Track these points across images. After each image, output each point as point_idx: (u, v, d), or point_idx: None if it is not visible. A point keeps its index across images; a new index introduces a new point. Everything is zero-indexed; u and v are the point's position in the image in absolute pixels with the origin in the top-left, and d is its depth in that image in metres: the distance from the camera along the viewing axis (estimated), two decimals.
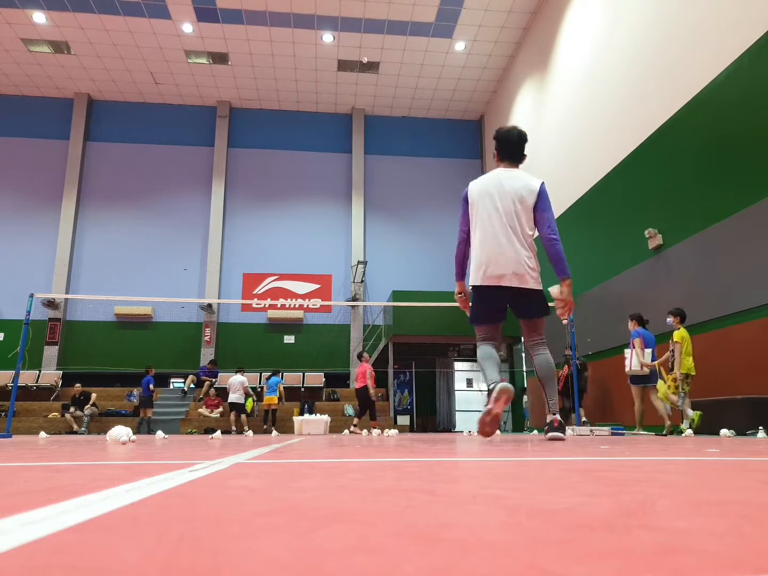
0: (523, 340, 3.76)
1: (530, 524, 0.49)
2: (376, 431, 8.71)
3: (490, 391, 3.30)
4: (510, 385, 3.25)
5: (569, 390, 9.71)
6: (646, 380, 7.20)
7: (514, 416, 14.39)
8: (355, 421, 10.59)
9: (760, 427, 5.12)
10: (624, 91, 9.49)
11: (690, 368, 6.56)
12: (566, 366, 9.81)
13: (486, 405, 3.30)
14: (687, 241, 7.67)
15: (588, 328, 9.87)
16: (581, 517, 0.53)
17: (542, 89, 12.94)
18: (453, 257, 3.91)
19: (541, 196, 3.56)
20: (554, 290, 3.75)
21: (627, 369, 7.28)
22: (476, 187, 3.68)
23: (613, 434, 6.44)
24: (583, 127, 10.87)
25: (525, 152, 3.73)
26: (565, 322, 3.80)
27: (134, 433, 3.86)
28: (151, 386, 12.13)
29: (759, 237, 6.43)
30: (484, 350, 3.66)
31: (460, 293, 3.95)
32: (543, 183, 3.63)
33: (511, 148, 3.67)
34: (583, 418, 9.32)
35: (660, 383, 6.90)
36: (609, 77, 10.01)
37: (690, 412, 6.35)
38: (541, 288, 3.58)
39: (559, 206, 11.69)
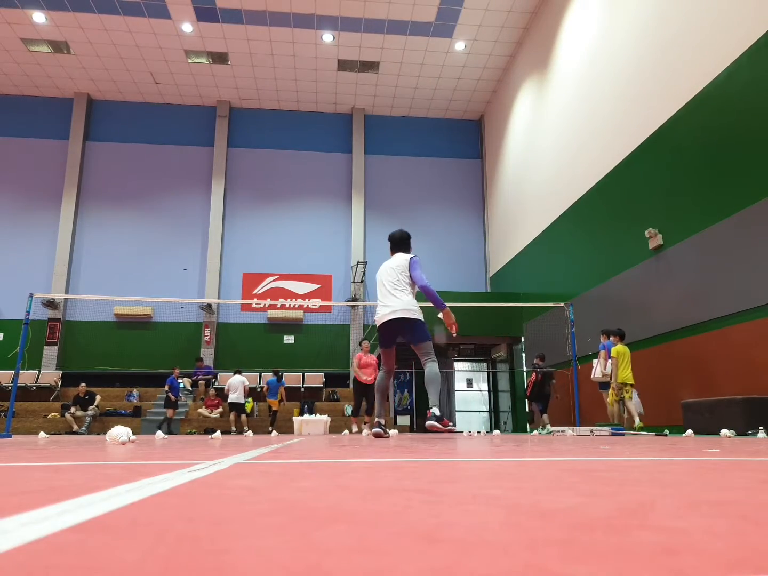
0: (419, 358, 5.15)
1: (530, 524, 0.49)
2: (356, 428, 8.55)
3: (378, 423, 5.22)
4: (378, 431, 5.13)
5: (536, 395, 10.56)
6: (608, 386, 8.26)
7: (515, 416, 14.40)
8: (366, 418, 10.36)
9: (760, 427, 5.12)
10: (624, 91, 9.49)
11: (626, 378, 7.68)
12: (534, 374, 10.60)
13: (372, 427, 5.43)
14: (687, 241, 7.67)
15: (588, 329, 9.87)
16: (581, 517, 0.53)
17: (542, 89, 12.94)
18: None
19: (411, 265, 5.19)
20: (440, 316, 5.18)
21: (592, 376, 8.41)
22: (379, 270, 5.46)
23: (613, 434, 6.44)
24: (583, 127, 10.87)
25: (409, 245, 5.48)
26: (454, 334, 5.25)
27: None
28: (166, 387, 12.05)
29: (759, 237, 6.43)
30: (378, 380, 5.36)
31: None
32: (413, 257, 5.23)
33: (395, 245, 5.45)
34: (548, 423, 10.13)
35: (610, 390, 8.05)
36: (609, 77, 10.01)
37: (637, 420, 7.39)
38: (420, 319, 5.03)
39: (558, 206, 11.69)
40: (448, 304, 5.14)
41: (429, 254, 16.26)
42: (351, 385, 10.09)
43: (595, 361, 8.47)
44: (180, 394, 12.36)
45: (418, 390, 15.22)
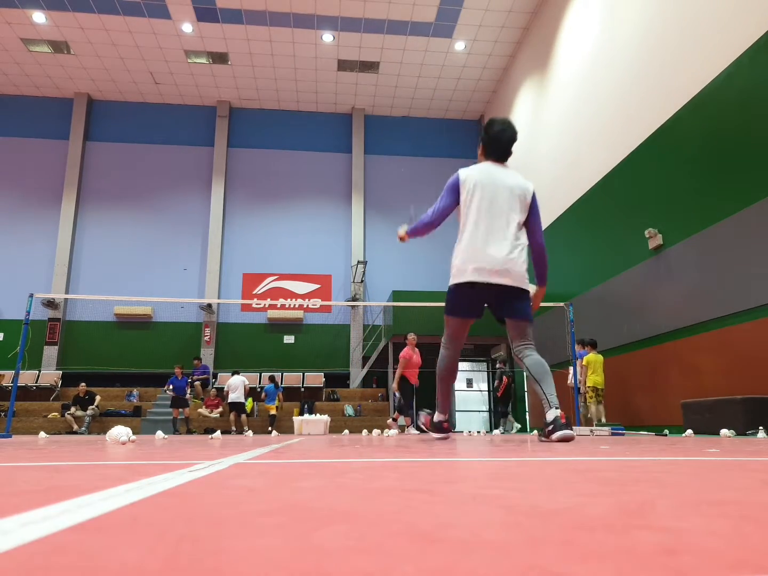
0: (512, 345, 3.56)
1: (530, 524, 0.49)
2: (392, 431, 7.37)
3: (437, 425, 3.81)
4: (449, 436, 3.80)
5: (506, 396, 11.86)
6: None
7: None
8: (395, 415, 9.62)
9: (760, 427, 5.12)
10: (624, 91, 9.49)
11: (596, 383, 8.52)
12: (504, 377, 11.71)
13: (428, 430, 3.93)
14: (687, 241, 7.67)
15: (588, 329, 9.87)
16: (581, 517, 0.53)
17: (542, 89, 12.94)
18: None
19: (535, 200, 3.55)
20: (531, 291, 3.70)
21: (568, 382, 9.01)
22: (472, 177, 3.51)
23: (613, 434, 6.43)
24: (583, 127, 10.87)
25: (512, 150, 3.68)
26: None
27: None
28: (170, 386, 12.05)
29: (759, 237, 6.43)
30: (447, 363, 3.68)
31: (403, 238, 3.88)
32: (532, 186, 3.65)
33: (503, 148, 3.60)
34: (517, 425, 11.76)
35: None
36: (609, 77, 10.01)
37: (594, 418, 8.31)
38: (530, 290, 3.59)
39: (558, 206, 11.68)
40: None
41: (429, 254, 16.28)
42: (397, 385, 9.35)
43: (570, 368, 9.19)
44: (187, 392, 12.30)
45: (419, 390, 15.19)
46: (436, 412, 3.82)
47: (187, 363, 14.39)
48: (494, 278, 3.32)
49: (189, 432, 11.71)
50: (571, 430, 3.12)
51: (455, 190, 3.58)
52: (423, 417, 4.03)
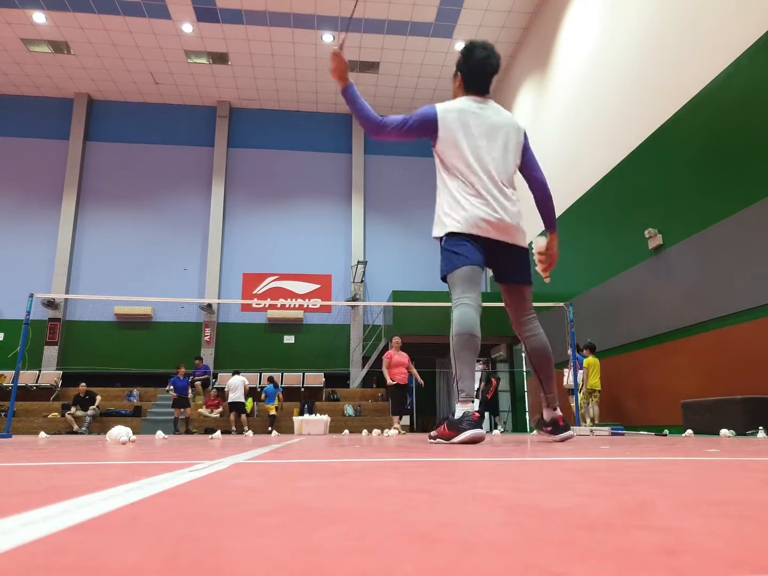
0: (512, 319, 3.11)
1: (530, 524, 0.49)
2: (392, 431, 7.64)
3: (459, 421, 2.63)
4: (483, 432, 2.64)
5: (494, 398, 12.37)
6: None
7: (515, 416, 14.39)
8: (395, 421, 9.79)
9: (760, 427, 5.11)
10: (624, 91, 9.49)
11: (594, 385, 8.87)
12: (493, 380, 12.10)
13: (448, 437, 2.67)
14: (687, 241, 7.67)
15: (588, 329, 9.87)
16: (581, 517, 0.53)
17: (542, 89, 12.94)
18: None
19: (527, 137, 3.15)
20: (541, 244, 3.19)
21: (564, 383, 9.24)
22: (454, 119, 3.01)
23: (613, 434, 6.43)
24: (583, 127, 10.87)
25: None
26: (547, 280, 3.22)
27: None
28: (171, 387, 12.02)
29: (759, 237, 6.43)
30: (467, 320, 2.75)
31: (337, 75, 3.10)
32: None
33: (486, 80, 3.11)
34: (500, 427, 12.15)
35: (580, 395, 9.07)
36: (609, 77, 10.01)
37: (588, 418, 8.79)
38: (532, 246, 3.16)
39: (558, 206, 11.63)
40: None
41: (429, 254, 16.27)
42: (387, 387, 9.85)
43: (566, 370, 9.34)
44: (188, 392, 12.27)
45: (419, 390, 15.21)
46: (458, 404, 2.74)
47: (187, 363, 14.38)
48: (501, 236, 2.93)
49: (188, 432, 11.72)
50: (570, 430, 3.02)
51: (428, 127, 3.10)
52: (435, 433, 2.90)
